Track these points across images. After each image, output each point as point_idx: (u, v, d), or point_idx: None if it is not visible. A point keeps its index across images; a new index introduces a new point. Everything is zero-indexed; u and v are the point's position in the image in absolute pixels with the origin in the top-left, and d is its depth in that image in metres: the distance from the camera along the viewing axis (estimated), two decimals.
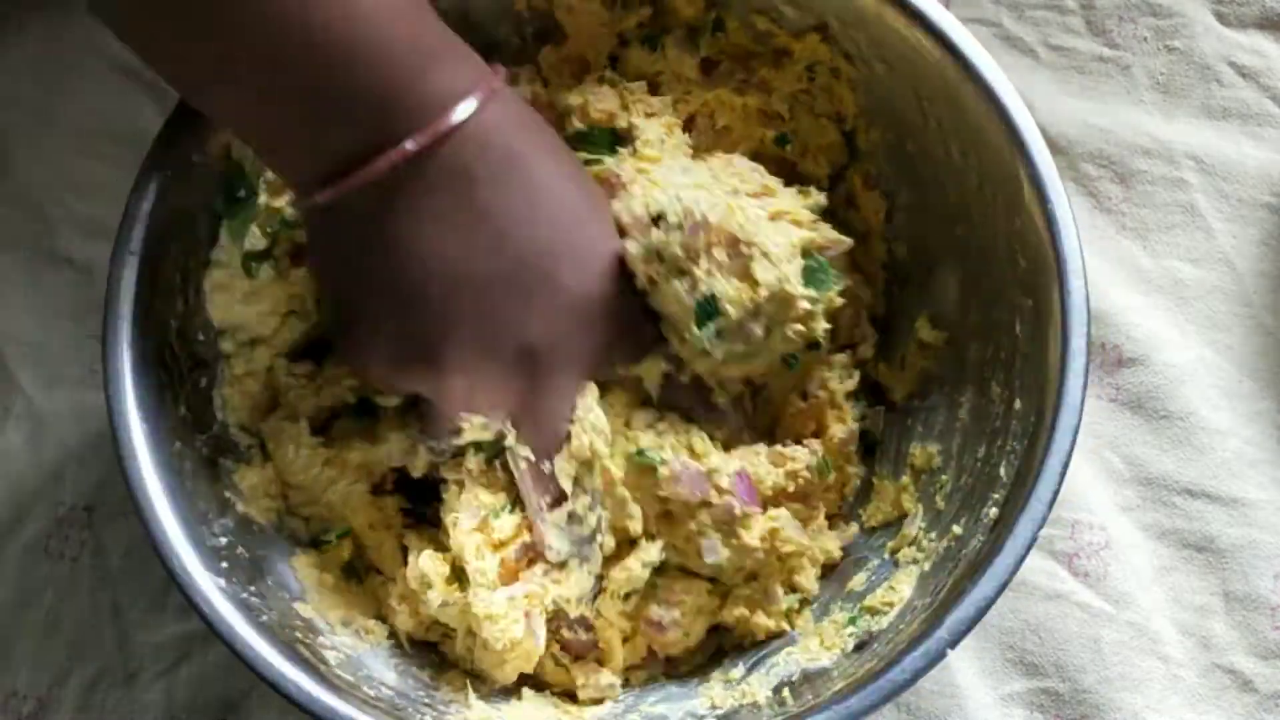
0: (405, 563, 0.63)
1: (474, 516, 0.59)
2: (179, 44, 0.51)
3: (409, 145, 0.52)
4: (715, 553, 0.60)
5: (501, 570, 0.59)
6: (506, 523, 0.59)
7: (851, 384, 0.66)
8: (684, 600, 0.62)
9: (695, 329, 0.58)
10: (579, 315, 0.58)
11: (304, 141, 0.53)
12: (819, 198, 0.62)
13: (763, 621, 0.62)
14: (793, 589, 0.63)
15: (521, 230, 0.55)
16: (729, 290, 0.57)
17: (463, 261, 0.55)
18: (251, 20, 0.49)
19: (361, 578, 0.64)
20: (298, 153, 0.54)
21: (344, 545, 0.63)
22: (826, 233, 0.61)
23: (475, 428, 0.58)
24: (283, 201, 0.63)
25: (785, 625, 0.62)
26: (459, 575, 0.60)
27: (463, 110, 0.52)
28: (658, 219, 0.58)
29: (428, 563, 0.59)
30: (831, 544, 0.64)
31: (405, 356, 0.58)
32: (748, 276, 0.58)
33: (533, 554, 0.60)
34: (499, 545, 0.59)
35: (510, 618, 0.58)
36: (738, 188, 0.61)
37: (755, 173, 0.63)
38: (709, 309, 0.58)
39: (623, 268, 0.58)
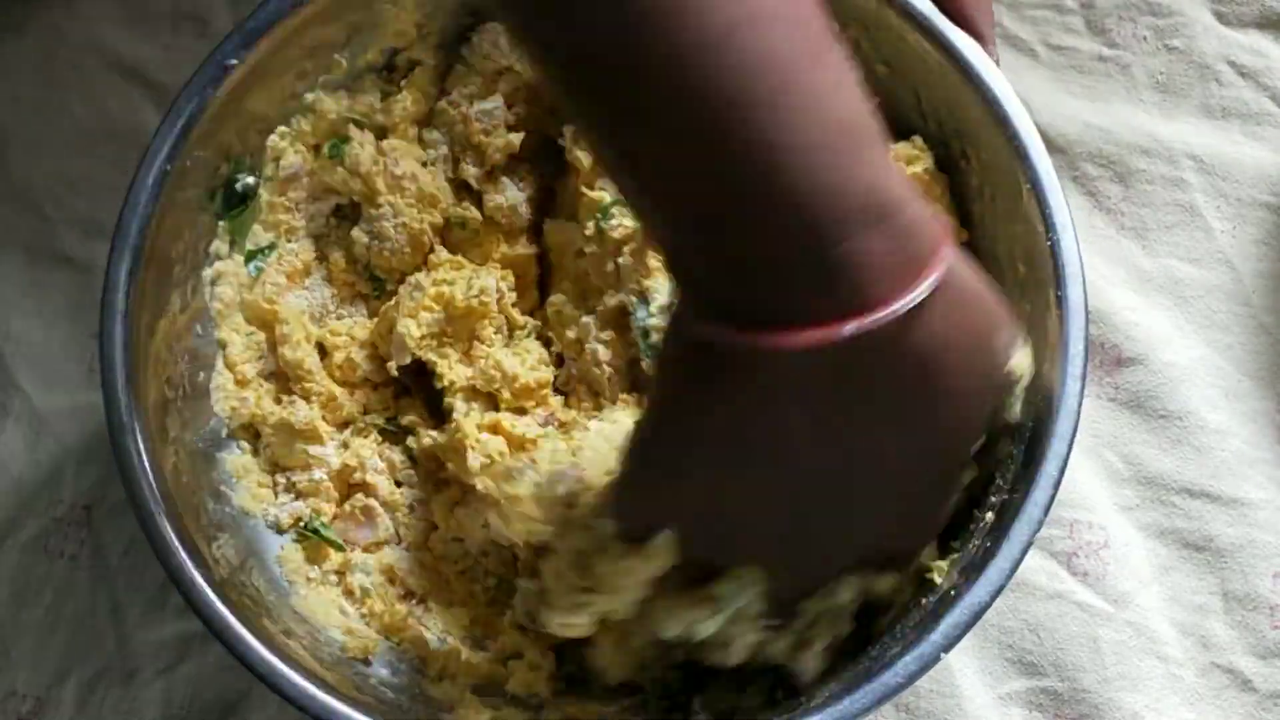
0: None
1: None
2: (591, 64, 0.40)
3: (848, 329, 0.39)
4: None
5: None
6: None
7: None
8: None
9: None
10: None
11: (737, 259, 0.41)
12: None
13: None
14: None
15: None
16: None
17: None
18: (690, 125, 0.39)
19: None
20: (720, 269, 0.41)
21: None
22: None
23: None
24: (282, 199, 0.64)
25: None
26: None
27: (922, 290, 0.40)
28: None
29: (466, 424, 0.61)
30: None
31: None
32: None
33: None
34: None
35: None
36: None
37: None
38: None
39: None
